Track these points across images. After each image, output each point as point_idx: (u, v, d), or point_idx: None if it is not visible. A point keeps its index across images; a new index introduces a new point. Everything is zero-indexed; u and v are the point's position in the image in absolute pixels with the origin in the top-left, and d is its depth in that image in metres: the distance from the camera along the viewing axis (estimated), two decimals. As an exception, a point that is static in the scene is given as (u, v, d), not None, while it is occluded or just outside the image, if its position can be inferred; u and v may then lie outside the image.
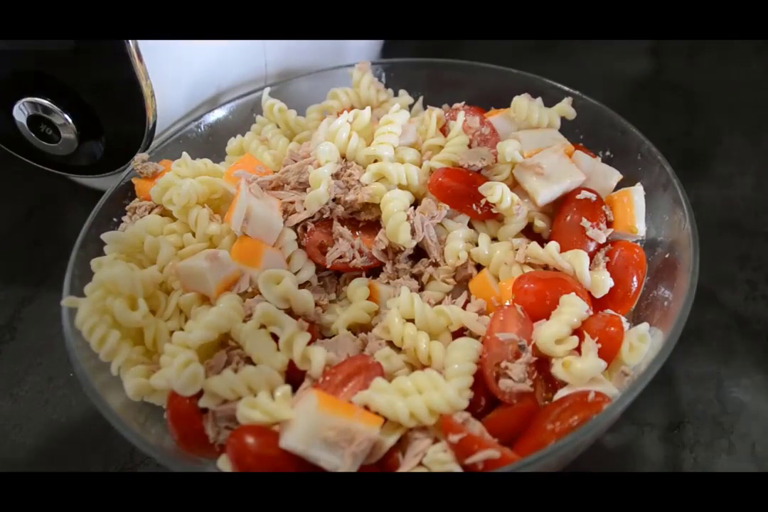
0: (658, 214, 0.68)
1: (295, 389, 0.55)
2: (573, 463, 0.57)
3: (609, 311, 0.62)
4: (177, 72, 0.77)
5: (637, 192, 0.68)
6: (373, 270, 0.68)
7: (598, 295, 0.62)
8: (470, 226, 0.69)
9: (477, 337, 0.59)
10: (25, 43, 0.69)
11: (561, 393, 0.55)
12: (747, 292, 0.80)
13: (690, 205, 0.63)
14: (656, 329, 0.58)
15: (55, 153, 0.79)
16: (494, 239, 0.68)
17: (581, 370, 0.54)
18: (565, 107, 0.74)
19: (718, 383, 0.72)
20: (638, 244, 0.68)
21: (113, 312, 0.57)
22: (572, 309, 0.56)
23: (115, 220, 0.72)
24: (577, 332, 0.56)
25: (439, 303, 0.64)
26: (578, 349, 0.56)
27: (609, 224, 0.67)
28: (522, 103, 0.72)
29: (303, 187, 0.69)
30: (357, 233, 0.68)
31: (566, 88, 0.77)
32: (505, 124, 0.74)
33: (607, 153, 0.76)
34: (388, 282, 0.66)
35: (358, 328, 0.63)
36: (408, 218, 0.65)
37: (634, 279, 0.63)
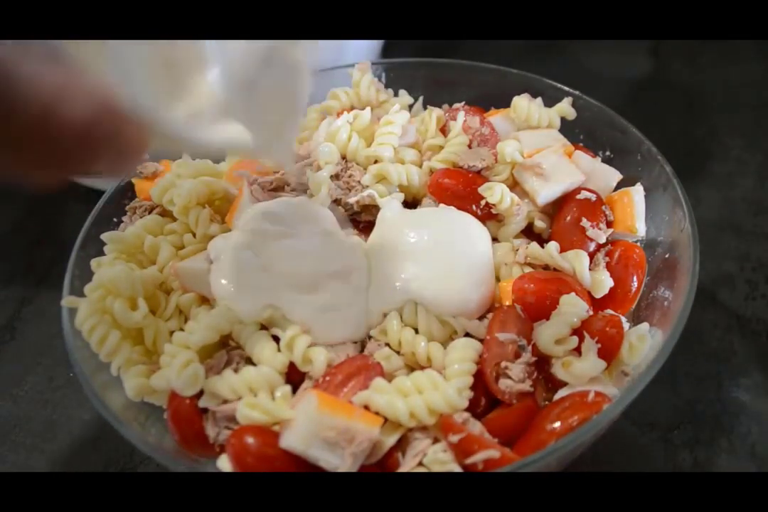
0: (658, 214, 0.68)
1: (295, 389, 0.55)
2: (573, 463, 0.57)
3: (609, 311, 0.62)
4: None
5: (637, 192, 0.68)
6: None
7: (598, 295, 0.62)
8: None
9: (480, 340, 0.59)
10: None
11: (561, 393, 0.55)
12: (747, 292, 0.80)
13: (690, 205, 0.63)
14: (656, 329, 0.58)
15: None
16: (494, 239, 0.68)
17: (581, 370, 0.54)
18: (565, 107, 0.74)
19: (718, 383, 0.72)
20: (638, 244, 0.68)
21: (113, 312, 0.57)
22: (572, 309, 0.57)
23: (115, 220, 0.72)
24: (577, 332, 0.56)
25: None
26: (578, 349, 0.56)
27: (609, 224, 0.67)
28: (522, 103, 0.72)
29: (304, 188, 0.69)
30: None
31: (566, 88, 0.77)
32: (505, 124, 0.74)
33: (607, 153, 0.76)
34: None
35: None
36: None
37: (634, 279, 0.63)
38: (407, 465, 0.51)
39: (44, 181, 0.37)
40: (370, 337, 0.60)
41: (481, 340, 0.57)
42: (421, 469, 0.51)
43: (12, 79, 0.32)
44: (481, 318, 0.61)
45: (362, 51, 0.97)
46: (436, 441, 0.52)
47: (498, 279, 0.65)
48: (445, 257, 0.61)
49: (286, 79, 0.49)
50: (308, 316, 0.58)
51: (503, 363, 0.55)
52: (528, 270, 0.64)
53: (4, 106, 0.32)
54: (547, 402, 0.56)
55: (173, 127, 0.42)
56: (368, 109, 0.73)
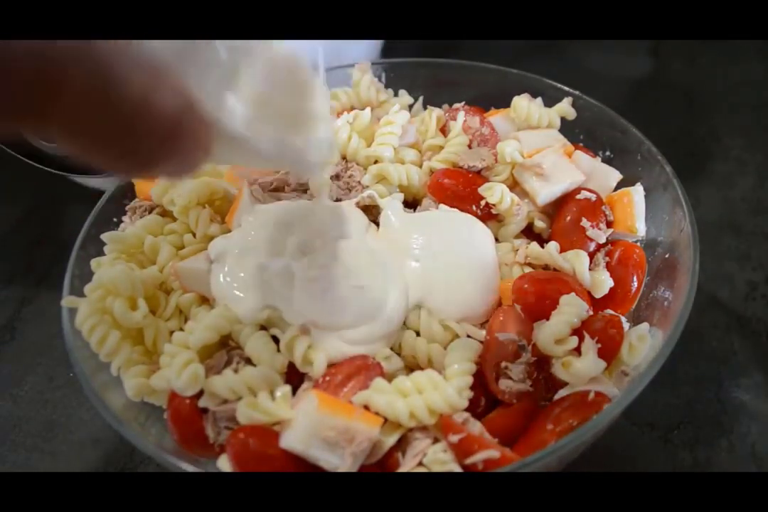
0: (658, 214, 0.68)
1: (295, 389, 0.55)
2: (573, 463, 0.57)
3: (609, 311, 0.62)
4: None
5: (637, 192, 0.68)
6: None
7: (598, 295, 0.62)
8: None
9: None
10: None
11: (561, 393, 0.55)
12: (747, 292, 0.80)
13: (690, 205, 0.63)
14: (656, 329, 0.58)
15: (55, 153, 0.79)
16: (495, 239, 0.68)
17: (581, 370, 0.54)
18: (565, 107, 0.74)
19: (718, 383, 0.72)
20: (638, 244, 0.68)
21: (113, 312, 0.57)
22: (572, 309, 0.56)
23: (115, 220, 0.72)
24: (577, 332, 0.56)
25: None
26: (578, 349, 0.56)
27: (609, 224, 0.67)
28: (522, 103, 0.72)
29: (304, 188, 0.69)
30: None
31: (566, 88, 0.77)
32: (505, 124, 0.74)
33: (607, 153, 0.76)
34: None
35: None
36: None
37: (634, 279, 0.63)
38: (407, 465, 0.51)
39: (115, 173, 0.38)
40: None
41: (481, 341, 0.57)
42: (421, 469, 0.51)
43: (110, 71, 0.34)
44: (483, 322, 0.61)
45: (362, 51, 0.97)
46: (436, 441, 0.52)
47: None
48: (451, 263, 0.61)
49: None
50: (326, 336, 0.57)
51: (503, 363, 0.55)
52: (528, 270, 0.64)
53: (102, 96, 0.34)
54: (547, 402, 0.56)
55: (234, 129, 0.42)
56: (368, 109, 0.73)
